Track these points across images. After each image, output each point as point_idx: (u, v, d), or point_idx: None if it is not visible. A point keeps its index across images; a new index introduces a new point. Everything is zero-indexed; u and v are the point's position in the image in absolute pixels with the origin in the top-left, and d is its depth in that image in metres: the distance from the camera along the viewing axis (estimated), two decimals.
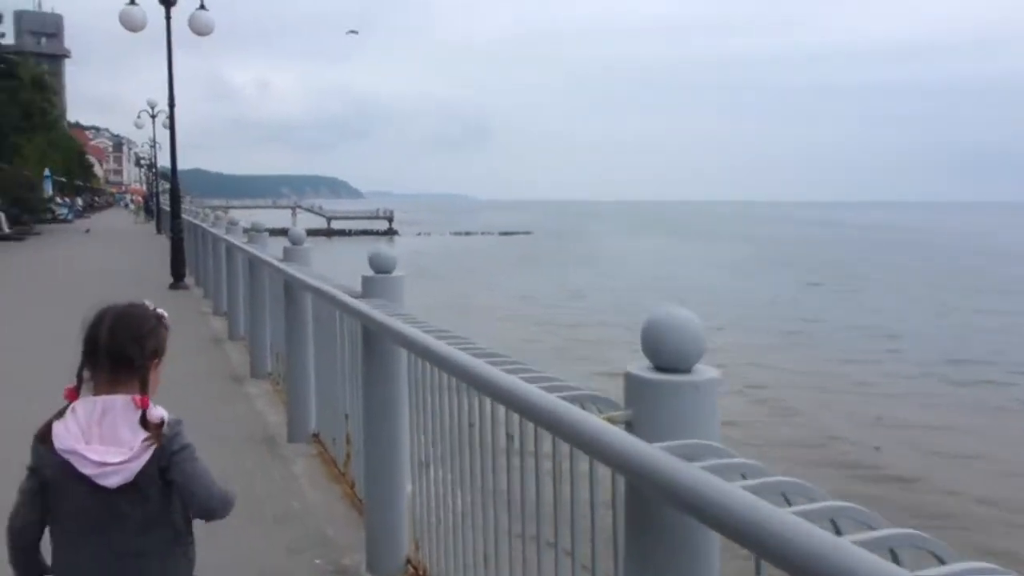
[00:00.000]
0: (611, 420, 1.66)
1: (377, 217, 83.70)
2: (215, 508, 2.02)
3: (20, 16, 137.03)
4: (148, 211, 46.92)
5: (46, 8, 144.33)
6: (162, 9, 13.94)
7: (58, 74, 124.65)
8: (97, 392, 1.93)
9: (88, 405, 1.90)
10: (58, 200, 48.74)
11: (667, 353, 1.64)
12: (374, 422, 3.58)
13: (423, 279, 35.72)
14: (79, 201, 61.15)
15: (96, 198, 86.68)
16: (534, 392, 1.92)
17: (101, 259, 20.42)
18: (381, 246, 4.15)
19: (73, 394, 1.92)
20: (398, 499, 3.54)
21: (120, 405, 1.90)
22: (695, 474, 1.32)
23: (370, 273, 3.82)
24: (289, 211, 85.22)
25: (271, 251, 6.99)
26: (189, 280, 14.27)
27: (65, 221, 42.04)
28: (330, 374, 4.77)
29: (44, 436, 1.89)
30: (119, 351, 1.93)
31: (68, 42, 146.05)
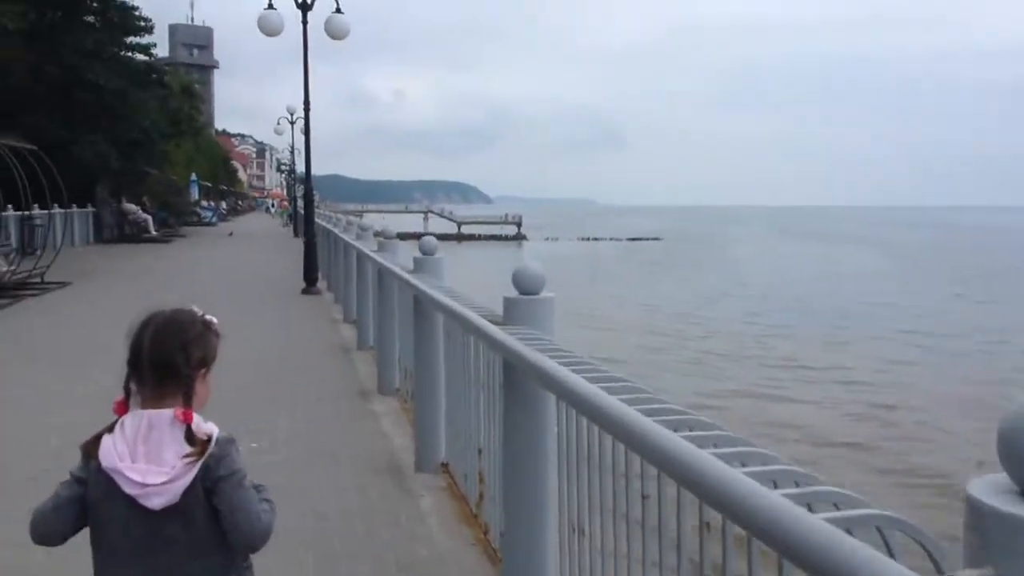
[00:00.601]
0: None
1: (506, 222, 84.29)
2: (257, 544, 1.86)
3: (174, 29, 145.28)
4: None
5: (197, 21, 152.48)
6: (299, 14, 14.00)
7: (207, 84, 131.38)
8: (144, 405, 1.81)
9: (135, 420, 1.78)
10: (203, 204, 51.08)
11: None
12: (515, 470, 3.01)
13: (551, 286, 35.28)
14: (223, 205, 63.98)
15: (239, 202, 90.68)
16: (760, 495, 1.29)
17: (238, 261, 20.91)
18: (529, 262, 3.51)
19: (122, 407, 1.81)
20: (541, 562, 2.93)
21: (167, 420, 1.78)
22: None
23: (513, 293, 3.26)
24: (421, 216, 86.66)
25: (401, 259, 6.61)
26: (321, 285, 14.22)
27: (209, 224, 43.87)
28: (463, 400, 4.25)
29: (91, 450, 1.79)
30: (163, 360, 1.80)
31: (217, 53, 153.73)
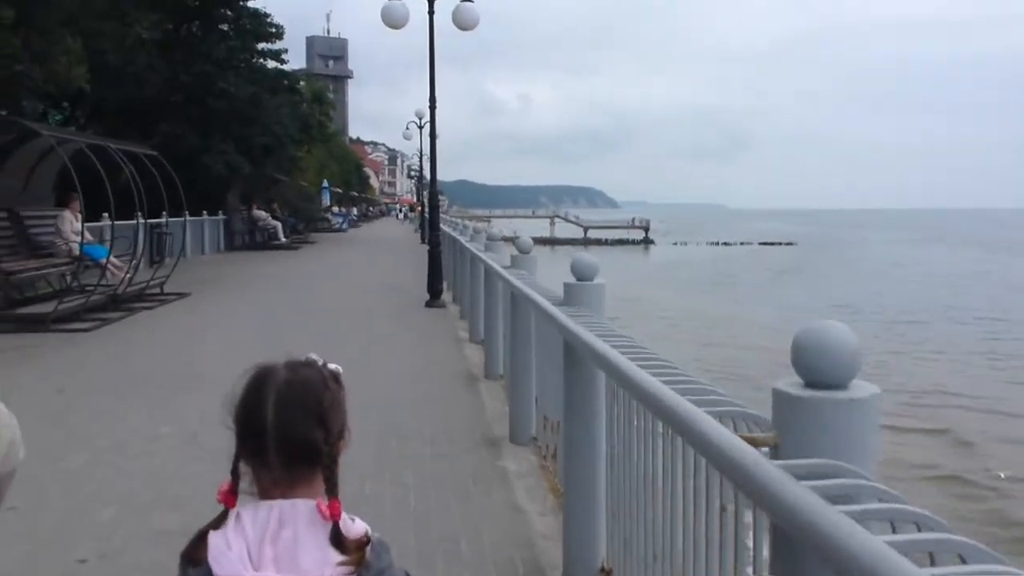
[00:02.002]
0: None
1: (633, 227, 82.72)
2: None
3: (311, 41, 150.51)
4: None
5: (333, 33, 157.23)
6: (425, 6, 12.99)
7: (342, 93, 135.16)
8: (264, 494, 1.40)
9: (259, 514, 1.37)
10: (334, 210, 51.68)
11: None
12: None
13: (686, 291, 33.51)
14: (354, 211, 64.88)
15: (370, 208, 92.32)
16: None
17: (362, 269, 20.24)
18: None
19: (230, 498, 1.40)
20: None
21: (305, 515, 1.37)
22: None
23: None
24: (548, 220, 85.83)
25: (540, 277, 5.33)
26: (447, 296, 13.13)
27: (339, 230, 44.13)
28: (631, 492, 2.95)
29: (196, 555, 1.37)
30: (298, 439, 1.38)
31: (351, 63, 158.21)
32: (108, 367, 8.09)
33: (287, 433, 1.39)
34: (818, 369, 1.55)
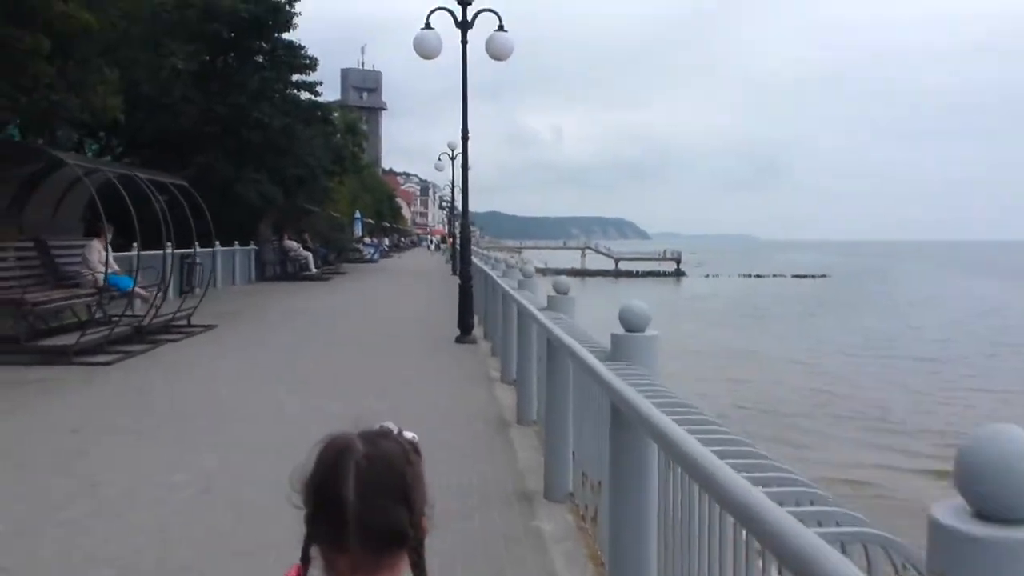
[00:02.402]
0: None
1: (664, 259, 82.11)
2: None
3: (346, 74, 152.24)
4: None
5: (367, 66, 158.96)
6: (458, 34, 12.77)
7: (376, 125, 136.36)
8: None
9: None
10: (366, 241, 51.70)
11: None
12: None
13: (714, 326, 32.84)
14: (386, 242, 64.95)
15: (402, 239, 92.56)
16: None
17: (392, 301, 19.96)
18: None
19: None
20: None
21: None
22: None
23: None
24: (579, 252, 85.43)
25: (578, 319, 4.93)
26: (478, 331, 12.77)
27: (370, 261, 44.06)
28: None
29: None
30: (380, 520, 1.26)
31: (385, 95, 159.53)
32: (126, 404, 7.80)
33: (370, 516, 1.28)
34: (998, 497, 1.14)
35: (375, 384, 8.80)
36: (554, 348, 4.50)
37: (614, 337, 3.18)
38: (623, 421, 3.01)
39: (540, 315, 4.99)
